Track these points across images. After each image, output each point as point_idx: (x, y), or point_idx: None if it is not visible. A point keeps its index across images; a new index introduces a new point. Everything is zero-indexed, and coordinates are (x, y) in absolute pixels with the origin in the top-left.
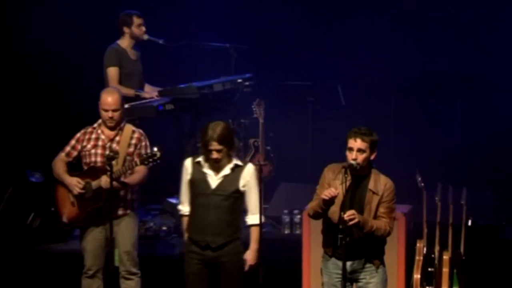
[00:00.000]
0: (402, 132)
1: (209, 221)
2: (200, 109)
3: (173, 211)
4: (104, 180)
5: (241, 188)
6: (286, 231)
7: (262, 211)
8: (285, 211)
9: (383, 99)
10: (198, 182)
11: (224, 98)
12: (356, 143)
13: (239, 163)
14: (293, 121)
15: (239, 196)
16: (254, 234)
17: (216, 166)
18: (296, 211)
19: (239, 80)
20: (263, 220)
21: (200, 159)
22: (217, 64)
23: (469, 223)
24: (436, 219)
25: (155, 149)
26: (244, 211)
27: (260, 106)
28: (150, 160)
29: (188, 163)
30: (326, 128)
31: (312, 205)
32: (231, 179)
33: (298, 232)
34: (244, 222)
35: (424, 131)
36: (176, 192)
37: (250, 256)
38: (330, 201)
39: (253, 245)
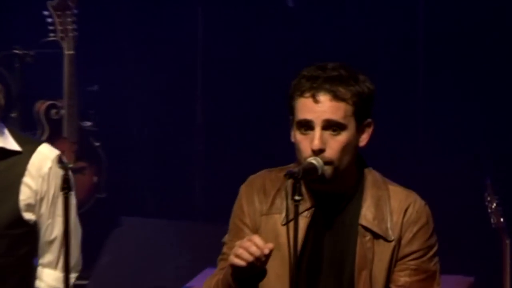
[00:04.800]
0: (442, 83)
1: None
2: None
3: None
4: None
5: (26, 215)
6: None
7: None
8: None
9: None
10: None
11: None
12: (319, 105)
13: (13, 144)
14: (159, 56)
15: (26, 233)
16: None
17: None
18: None
19: None
20: None
21: None
22: None
23: None
24: None
25: None
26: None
27: (64, 10)
28: None
29: None
30: (245, 72)
31: (211, 284)
32: None
33: None
34: None
35: (494, 77)
36: None
37: None
38: (251, 272)
39: None
